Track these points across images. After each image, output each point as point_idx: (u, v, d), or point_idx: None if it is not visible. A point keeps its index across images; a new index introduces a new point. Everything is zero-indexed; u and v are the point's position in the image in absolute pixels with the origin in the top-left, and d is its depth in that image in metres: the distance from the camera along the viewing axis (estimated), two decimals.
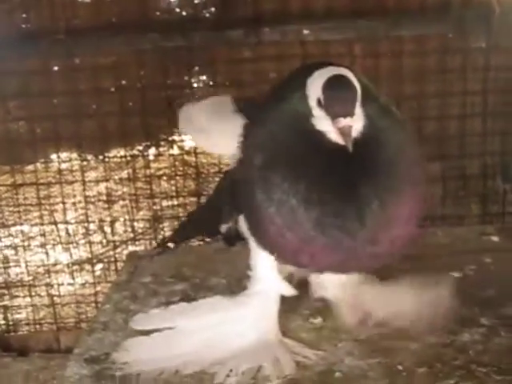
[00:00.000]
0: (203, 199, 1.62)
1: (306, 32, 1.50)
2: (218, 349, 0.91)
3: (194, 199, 1.62)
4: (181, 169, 1.61)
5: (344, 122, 0.76)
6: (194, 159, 1.60)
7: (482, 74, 1.62)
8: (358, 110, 0.78)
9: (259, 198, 0.82)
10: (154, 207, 1.62)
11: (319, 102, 0.78)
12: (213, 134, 0.98)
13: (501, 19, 1.52)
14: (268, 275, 0.93)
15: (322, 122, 0.79)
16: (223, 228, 1.01)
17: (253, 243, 0.91)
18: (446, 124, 1.63)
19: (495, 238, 1.42)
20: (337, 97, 0.77)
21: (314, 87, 0.79)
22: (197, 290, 1.20)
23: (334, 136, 0.78)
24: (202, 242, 1.62)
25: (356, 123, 0.78)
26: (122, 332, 1.03)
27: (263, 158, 0.83)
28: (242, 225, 0.92)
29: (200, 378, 0.87)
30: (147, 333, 0.96)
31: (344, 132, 0.76)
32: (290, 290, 0.95)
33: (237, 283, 1.22)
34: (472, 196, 1.71)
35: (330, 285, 0.99)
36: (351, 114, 0.77)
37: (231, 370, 0.87)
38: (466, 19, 1.54)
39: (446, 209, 1.67)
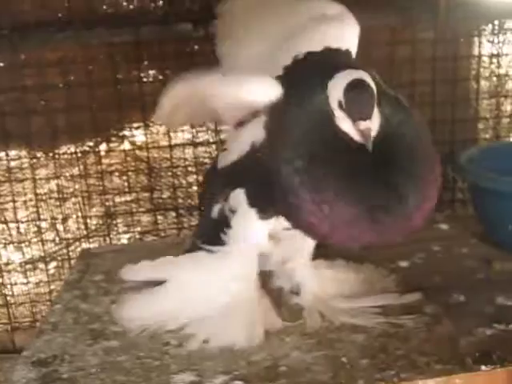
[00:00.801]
0: (156, 194, 1.62)
1: None
2: (198, 306, 0.99)
3: (146, 194, 1.62)
4: (133, 164, 1.60)
5: (364, 124, 0.84)
6: (145, 154, 1.59)
7: (430, 64, 1.63)
8: (375, 109, 0.86)
9: (301, 191, 0.88)
10: (107, 203, 1.61)
11: (340, 104, 0.86)
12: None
13: (446, 11, 1.54)
14: (247, 231, 0.99)
15: (344, 123, 0.87)
16: (215, 211, 1.04)
17: (246, 213, 0.97)
18: None
19: (444, 226, 1.44)
20: (357, 101, 0.85)
21: (336, 90, 0.86)
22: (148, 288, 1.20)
23: (355, 136, 0.86)
24: (155, 238, 1.62)
25: (374, 123, 0.86)
26: (71, 333, 1.03)
27: (298, 154, 0.88)
28: (237, 198, 0.98)
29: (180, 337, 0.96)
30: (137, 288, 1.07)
31: (364, 134, 0.84)
32: (267, 248, 1.01)
33: None
34: None
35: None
36: (370, 116, 0.85)
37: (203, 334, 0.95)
38: (413, 10, 1.56)
39: None
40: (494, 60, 1.68)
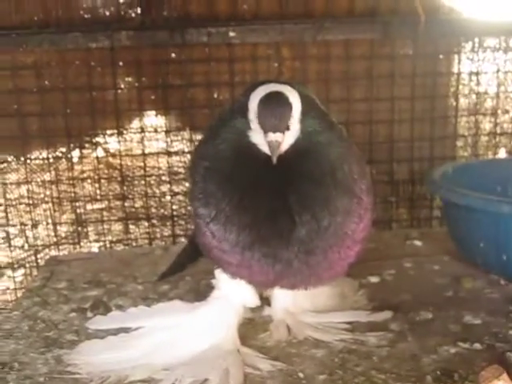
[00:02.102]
0: (128, 203, 1.59)
1: (232, 34, 1.49)
2: (169, 355, 0.89)
3: (119, 203, 1.59)
4: (105, 171, 1.57)
5: (273, 136, 0.82)
6: (118, 162, 1.57)
7: (409, 80, 1.63)
8: (295, 125, 0.84)
9: (198, 208, 0.87)
10: (78, 210, 1.58)
11: (255, 115, 0.84)
12: None
13: (426, 27, 1.54)
14: (231, 282, 0.92)
15: (257, 135, 0.84)
16: None
17: None
18: (375, 129, 1.64)
19: (418, 243, 1.44)
20: (269, 113, 0.82)
21: (253, 102, 0.84)
22: (111, 297, 1.18)
23: (264, 147, 0.84)
24: (126, 247, 1.60)
25: (288, 138, 0.83)
26: (24, 340, 1.00)
27: (202, 170, 0.88)
28: None
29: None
30: (102, 336, 0.96)
31: (271, 146, 0.82)
32: (251, 301, 0.96)
33: (153, 288, 1.21)
34: (401, 201, 1.72)
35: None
36: (281, 129, 0.82)
37: (176, 380, 0.84)
38: (392, 26, 1.55)
39: (376, 213, 1.69)
40: (474, 78, 1.67)
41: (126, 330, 0.97)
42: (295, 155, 0.84)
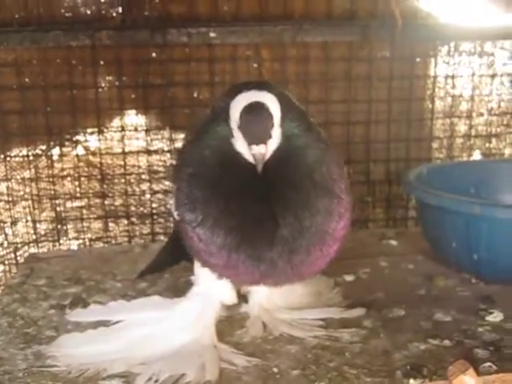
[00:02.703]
0: (108, 201, 1.60)
1: (212, 35, 1.50)
2: (145, 349, 0.92)
3: (98, 200, 1.60)
4: (85, 169, 1.58)
5: (257, 149, 0.84)
6: (98, 160, 1.58)
7: (386, 82, 1.65)
8: (276, 131, 0.86)
9: (184, 212, 0.89)
10: (58, 208, 1.59)
11: (238, 126, 0.86)
12: None
13: (403, 31, 1.56)
14: (209, 279, 0.94)
15: (239, 144, 0.86)
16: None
17: None
18: (352, 130, 1.66)
19: (394, 242, 1.47)
20: (252, 126, 0.84)
21: (234, 111, 0.86)
22: (90, 293, 1.19)
23: (248, 157, 0.86)
24: (105, 245, 1.60)
25: (271, 145, 0.85)
26: (3, 336, 1.01)
27: (187, 177, 0.89)
28: None
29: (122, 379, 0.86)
30: (82, 329, 0.98)
31: (256, 158, 0.85)
32: (229, 298, 0.98)
33: (132, 286, 1.22)
34: (377, 201, 1.75)
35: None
36: (264, 141, 0.84)
37: (153, 375, 0.86)
38: (371, 29, 1.58)
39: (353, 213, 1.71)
40: (449, 81, 1.70)
41: (104, 324, 0.99)
42: (276, 161, 0.86)
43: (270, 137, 0.85)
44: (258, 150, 0.84)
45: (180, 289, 1.16)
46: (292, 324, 1.02)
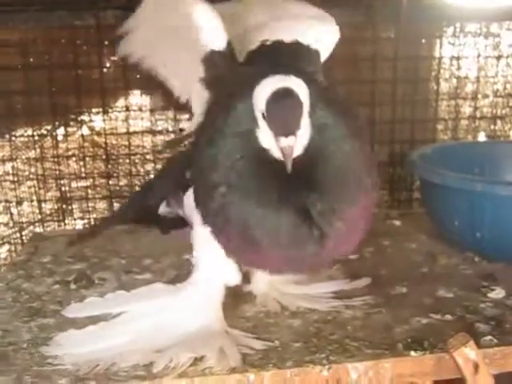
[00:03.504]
0: (113, 181, 1.61)
1: None
2: (157, 338, 0.88)
3: (103, 181, 1.60)
4: (90, 150, 1.58)
5: (285, 141, 0.76)
6: (103, 140, 1.58)
7: (391, 63, 1.65)
8: (306, 121, 0.79)
9: (219, 218, 0.83)
10: (63, 188, 1.59)
11: (263, 115, 0.78)
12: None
13: (408, 11, 1.56)
14: (212, 262, 0.92)
15: (266, 136, 0.79)
16: (163, 212, 1.02)
17: (201, 231, 0.89)
18: None
19: (398, 223, 1.47)
20: (279, 115, 0.77)
21: (260, 99, 0.78)
22: (94, 270, 1.20)
23: (276, 153, 0.79)
24: None
25: (301, 138, 0.78)
26: (8, 310, 1.02)
27: (217, 179, 0.82)
28: (189, 209, 0.93)
29: (137, 369, 0.83)
30: (81, 326, 0.93)
31: (285, 152, 0.77)
32: (234, 280, 0.94)
33: (136, 262, 1.23)
34: (382, 182, 1.74)
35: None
36: (293, 132, 0.77)
37: (171, 360, 0.83)
38: (375, 9, 1.57)
39: None
40: (454, 62, 1.70)
41: (104, 318, 0.94)
42: (308, 156, 0.80)
43: (299, 127, 0.78)
44: (287, 142, 0.76)
45: (184, 266, 1.16)
46: (305, 298, 1.02)
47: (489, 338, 0.88)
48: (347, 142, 0.82)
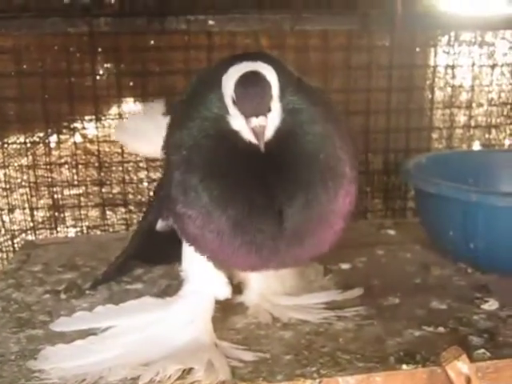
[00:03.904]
0: (106, 189, 1.60)
1: (211, 22, 1.50)
2: (145, 351, 0.86)
3: (96, 188, 1.59)
4: (83, 157, 1.58)
5: (256, 121, 0.76)
6: (96, 148, 1.57)
7: (386, 71, 1.65)
8: (276, 104, 0.79)
9: (178, 199, 0.82)
10: (55, 196, 1.58)
11: (233, 100, 0.78)
12: (144, 138, 1.01)
13: (403, 20, 1.55)
14: (202, 275, 0.91)
15: (237, 121, 0.79)
16: (161, 227, 1.01)
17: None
18: (351, 119, 1.65)
19: (392, 232, 1.46)
20: (248, 96, 0.77)
21: (228, 85, 0.79)
22: (85, 279, 1.19)
23: (247, 135, 0.79)
24: (102, 233, 1.60)
25: (271, 120, 0.78)
26: None
27: (180, 159, 0.82)
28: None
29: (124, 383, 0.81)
30: (69, 339, 0.90)
31: (256, 132, 0.76)
32: (224, 293, 0.92)
33: (127, 272, 1.21)
34: (376, 191, 1.74)
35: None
36: (264, 112, 0.77)
37: (158, 373, 0.80)
38: (370, 18, 1.57)
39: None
40: (449, 71, 1.70)
41: (93, 332, 0.92)
42: (278, 139, 0.79)
43: (270, 109, 0.78)
44: (258, 122, 0.76)
45: (175, 276, 1.15)
46: (297, 309, 1.01)
47: (482, 351, 0.86)
48: (320, 125, 0.81)
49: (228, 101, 0.79)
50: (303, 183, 0.79)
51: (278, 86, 0.79)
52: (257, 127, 0.76)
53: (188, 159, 0.82)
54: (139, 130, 1.04)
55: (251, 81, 0.77)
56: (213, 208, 0.80)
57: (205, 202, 0.80)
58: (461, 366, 0.79)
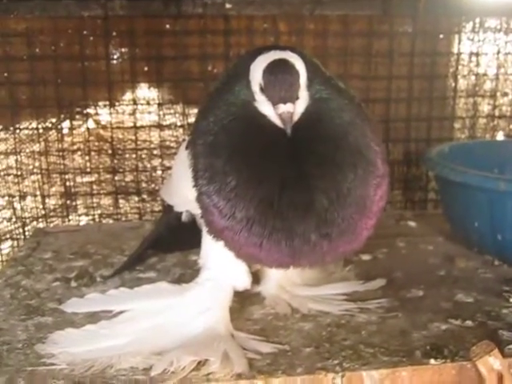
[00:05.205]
0: (118, 176, 1.56)
1: (228, 6, 1.45)
2: (158, 339, 0.82)
3: (109, 176, 1.55)
4: (96, 144, 1.54)
5: (284, 108, 0.77)
6: (109, 134, 1.53)
7: (408, 58, 1.60)
8: (303, 92, 0.79)
9: (203, 186, 0.79)
10: (67, 183, 1.55)
11: (261, 87, 0.78)
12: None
13: (426, 5, 1.50)
14: (221, 262, 0.87)
15: (265, 107, 0.79)
16: (185, 217, 0.98)
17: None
18: (371, 108, 1.60)
19: (412, 224, 1.42)
20: (276, 83, 0.77)
21: (256, 73, 0.79)
22: (96, 267, 1.16)
23: (275, 120, 0.78)
24: (115, 221, 1.57)
25: (298, 107, 0.78)
26: (5, 307, 0.98)
27: (207, 144, 0.80)
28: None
29: (136, 373, 0.77)
30: (79, 325, 0.88)
31: (283, 118, 0.77)
32: (243, 283, 0.89)
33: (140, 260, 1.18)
34: (395, 182, 1.69)
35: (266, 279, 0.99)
36: (291, 99, 0.77)
37: (172, 363, 0.77)
38: (392, 2, 1.52)
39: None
40: (473, 58, 1.64)
41: (104, 316, 0.90)
42: (306, 123, 0.78)
43: (298, 97, 0.78)
44: (286, 108, 0.76)
45: (189, 265, 1.12)
46: (316, 300, 0.97)
47: None
48: (348, 114, 0.80)
49: (256, 88, 0.80)
50: (333, 168, 0.77)
51: (305, 76, 0.79)
52: (284, 113, 0.77)
53: (214, 143, 0.80)
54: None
55: (280, 68, 0.78)
56: (241, 190, 0.76)
57: (233, 185, 0.76)
58: (493, 362, 0.75)
